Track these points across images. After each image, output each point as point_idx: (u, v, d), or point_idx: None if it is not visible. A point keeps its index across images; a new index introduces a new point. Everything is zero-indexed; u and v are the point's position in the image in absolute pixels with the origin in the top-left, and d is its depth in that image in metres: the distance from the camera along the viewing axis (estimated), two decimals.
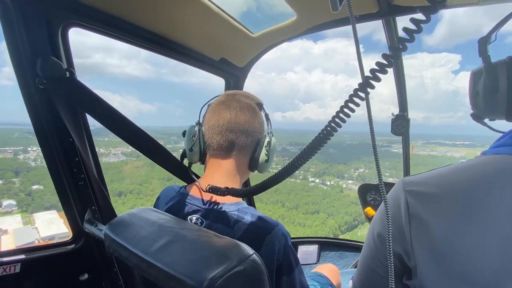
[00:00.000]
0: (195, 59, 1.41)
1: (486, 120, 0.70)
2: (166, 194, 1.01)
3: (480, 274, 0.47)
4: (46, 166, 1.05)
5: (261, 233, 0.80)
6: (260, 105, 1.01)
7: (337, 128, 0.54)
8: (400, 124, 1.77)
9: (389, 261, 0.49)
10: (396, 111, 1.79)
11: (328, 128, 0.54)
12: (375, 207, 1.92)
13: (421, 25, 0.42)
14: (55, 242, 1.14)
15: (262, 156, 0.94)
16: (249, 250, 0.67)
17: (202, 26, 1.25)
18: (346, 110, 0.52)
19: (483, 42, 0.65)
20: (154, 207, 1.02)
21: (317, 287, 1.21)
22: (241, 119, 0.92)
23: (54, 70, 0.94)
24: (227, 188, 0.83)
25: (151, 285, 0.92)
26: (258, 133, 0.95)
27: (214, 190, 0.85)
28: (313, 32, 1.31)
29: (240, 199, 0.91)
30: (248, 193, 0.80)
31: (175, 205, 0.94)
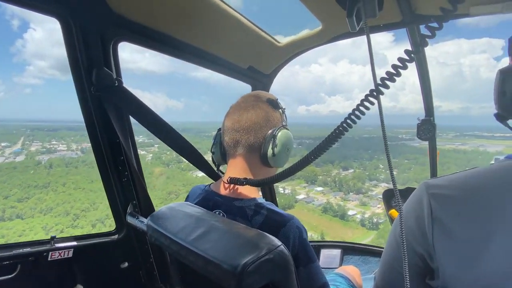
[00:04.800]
0: (226, 68, 1.52)
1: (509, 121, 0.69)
2: (194, 192, 1.11)
3: (504, 277, 0.49)
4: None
5: (276, 225, 0.86)
6: (271, 101, 1.04)
7: (352, 124, 0.62)
8: (426, 129, 1.75)
9: (404, 267, 0.52)
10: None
11: (344, 125, 0.62)
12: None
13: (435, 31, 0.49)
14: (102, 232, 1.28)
15: (269, 151, 0.96)
16: (277, 241, 0.73)
17: (233, 38, 1.36)
18: (361, 108, 0.59)
19: None
20: None
21: (339, 287, 1.22)
22: (244, 118, 0.98)
23: (106, 79, 1.08)
24: (245, 178, 0.94)
25: (184, 274, 1.02)
26: (265, 129, 0.98)
27: (234, 181, 0.96)
28: (337, 40, 1.37)
29: (257, 195, 0.98)
30: (263, 183, 0.90)
31: (201, 202, 1.03)
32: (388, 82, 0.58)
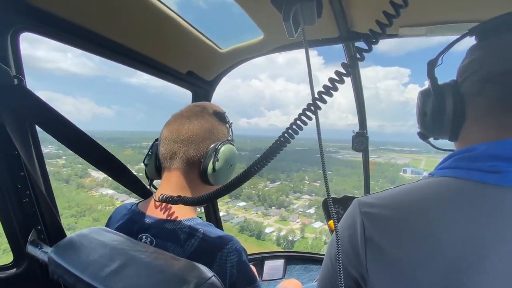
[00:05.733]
0: (162, 72, 1.38)
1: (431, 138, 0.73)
2: (118, 212, 0.95)
3: None
4: None
5: (212, 250, 0.76)
6: (218, 114, 0.96)
7: (290, 139, 0.57)
8: (360, 141, 1.87)
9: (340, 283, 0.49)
10: (352, 119, 1.90)
11: (282, 139, 0.57)
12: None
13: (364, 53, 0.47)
14: None
15: (209, 166, 0.87)
16: (208, 272, 0.64)
17: (168, 39, 1.24)
18: (299, 122, 0.55)
19: (431, 65, 0.67)
20: (106, 227, 0.95)
21: None
22: (185, 128, 0.88)
23: (0, 77, 0.86)
24: (179, 196, 0.81)
25: None
26: (208, 142, 0.89)
27: (166, 199, 0.82)
28: (279, 51, 1.36)
29: (193, 215, 0.87)
30: (200, 202, 0.76)
31: (125, 224, 0.88)
32: (325, 97, 0.55)
